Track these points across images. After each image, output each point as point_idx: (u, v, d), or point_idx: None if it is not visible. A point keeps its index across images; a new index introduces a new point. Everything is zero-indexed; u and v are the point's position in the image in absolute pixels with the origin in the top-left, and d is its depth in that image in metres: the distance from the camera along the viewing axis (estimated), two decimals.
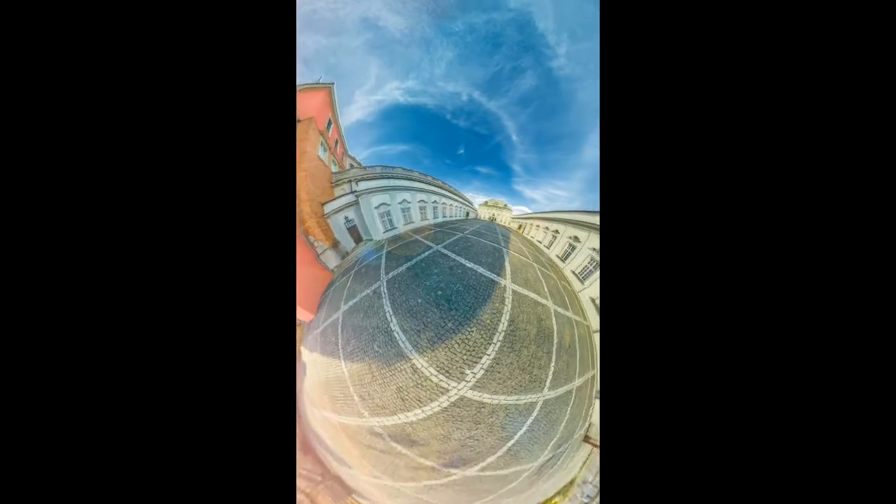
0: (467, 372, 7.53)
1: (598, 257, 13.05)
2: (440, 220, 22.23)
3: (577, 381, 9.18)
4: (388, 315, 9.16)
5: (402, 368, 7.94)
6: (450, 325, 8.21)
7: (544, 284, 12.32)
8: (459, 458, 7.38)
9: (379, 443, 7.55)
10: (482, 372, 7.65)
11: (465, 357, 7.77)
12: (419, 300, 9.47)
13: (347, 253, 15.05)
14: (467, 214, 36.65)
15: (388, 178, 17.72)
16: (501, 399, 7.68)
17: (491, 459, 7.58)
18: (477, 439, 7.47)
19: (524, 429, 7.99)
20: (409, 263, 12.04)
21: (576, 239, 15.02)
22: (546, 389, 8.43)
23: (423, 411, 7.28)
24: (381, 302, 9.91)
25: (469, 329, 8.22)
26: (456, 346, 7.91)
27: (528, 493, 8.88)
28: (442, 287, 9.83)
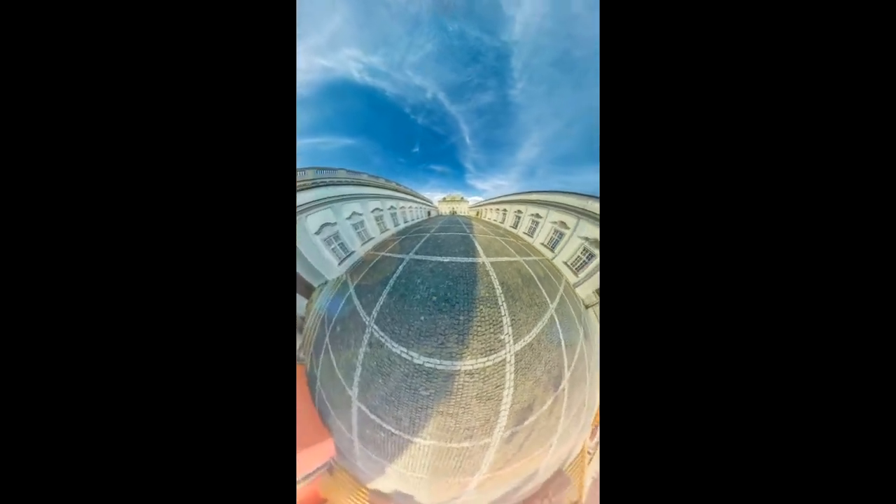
0: (502, 338, 8.61)
1: (528, 215, 18.78)
2: (402, 226, 20.97)
3: (560, 290, 12.50)
4: (404, 356, 8.22)
5: (461, 382, 7.98)
6: (462, 318, 8.66)
7: (508, 247, 15.19)
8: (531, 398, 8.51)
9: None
10: (510, 328, 8.92)
11: (492, 331, 8.65)
12: (421, 318, 8.73)
13: (303, 319, 12.08)
14: (429, 214, 36.49)
15: (327, 185, 13.40)
16: (535, 330, 9.43)
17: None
18: (551, 365, 9.23)
19: (560, 332, 10.23)
20: (386, 288, 10.42)
21: (519, 211, 20.89)
22: (550, 304, 11.08)
23: (506, 390, 8.15)
24: (385, 350, 8.56)
25: (478, 310, 9.06)
26: (480, 328, 8.65)
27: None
28: (433, 292, 9.59)
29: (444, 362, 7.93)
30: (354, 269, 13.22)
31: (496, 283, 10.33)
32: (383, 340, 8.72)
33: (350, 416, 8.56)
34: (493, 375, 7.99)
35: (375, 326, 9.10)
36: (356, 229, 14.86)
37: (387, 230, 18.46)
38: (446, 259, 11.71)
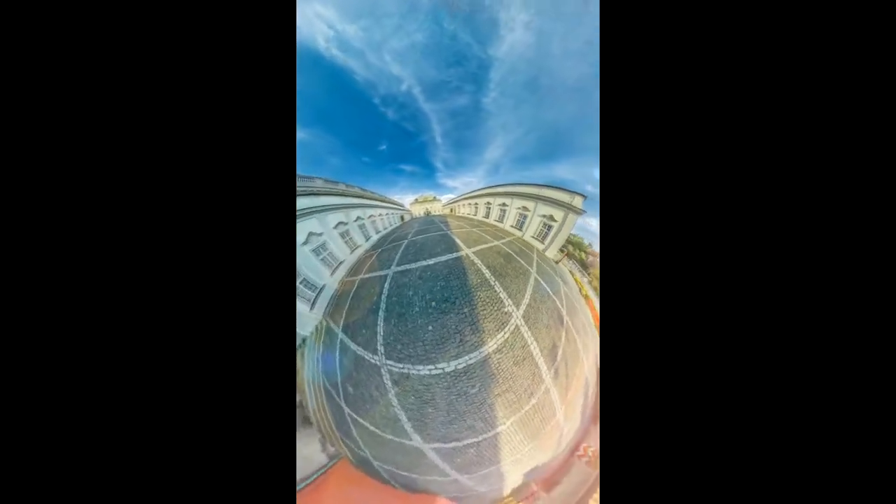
0: (506, 310, 9.32)
1: (496, 205, 20.66)
2: (375, 238, 19.61)
3: (535, 257, 14.36)
4: (435, 372, 7.94)
5: (496, 361, 8.27)
6: (466, 310, 8.84)
7: (484, 235, 16.55)
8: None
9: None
10: (509, 300, 9.71)
11: (496, 308, 9.28)
12: (429, 328, 8.57)
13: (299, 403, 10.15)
14: (402, 218, 35.00)
15: (304, 194, 11.71)
16: (528, 293, 10.61)
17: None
18: (550, 311, 10.60)
19: (546, 287, 11.77)
20: (380, 314, 9.42)
21: (488, 203, 22.51)
22: (531, 270, 12.56)
23: (531, 345, 8.90)
24: (413, 379, 8.01)
25: (477, 296, 9.49)
26: (485, 311, 9.10)
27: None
28: (430, 298, 9.37)
29: (472, 355, 8.10)
30: (334, 309, 11.59)
31: (483, 269, 10.96)
32: (406, 371, 8.21)
33: (431, 461, 7.92)
34: (515, 341, 8.56)
35: (389, 362, 8.44)
36: (318, 255, 12.42)
37: (357, 247, 16.07)
38: (432, 261, 11.64)
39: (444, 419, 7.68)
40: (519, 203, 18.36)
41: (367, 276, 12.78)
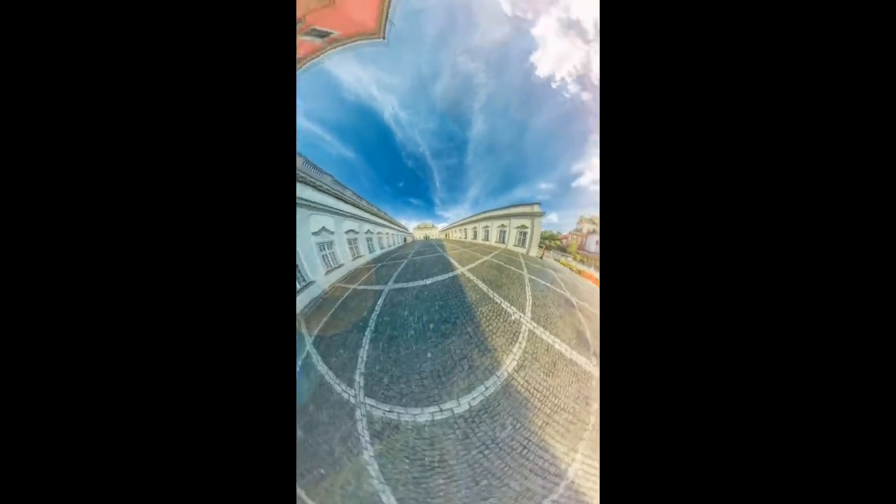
0: (514, 318, 6.79)
1: (481, 228, 20.57)
2: (378, 253, 17.83)
3: (522, 260, 13.29)
4: (439, 417, 4.17)
5: (522, 380, 4.91)
6: (470, 329, 6.05)
7: (475, 253, 15.46)
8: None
9: None
10: (512, 307, 7.38)
11: (503, 320, 6.62)
12: (428, 355, 5.25)
13: None
14: (405, 240, 33.80)
15: (335, 196, 11.07)
16: (527, 294, 8.61)
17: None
18: (555, 298, 8.87)
19: (542, 280, 10.52)
20: (367, 333, 6.10)
21: (475, 227, 23.02)
22: (523, 272, 11.18)
23: (555, 342, 6.30)
24: (404, 432, 4.00)
25: (479, 312, 6.92)
26: (492, 325, 6.36)
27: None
28: (428, 318, 6.58)
29: (488, 383, 4.70)
30: (313, 312, 8.08)
31: (480, 283, 8.91)
32: (395, 416, 4.25)
33: None
34: (535, 348, 5.75)
35: (369, 401, 4.54)
36: (321, 250, 10.30)
37: (360, 256, 14.16)
38: (429, 281, 9.15)
39: (471, 492, 3.43)
40: (497, 223, 19.24)
41: (361, 287, 9.82)
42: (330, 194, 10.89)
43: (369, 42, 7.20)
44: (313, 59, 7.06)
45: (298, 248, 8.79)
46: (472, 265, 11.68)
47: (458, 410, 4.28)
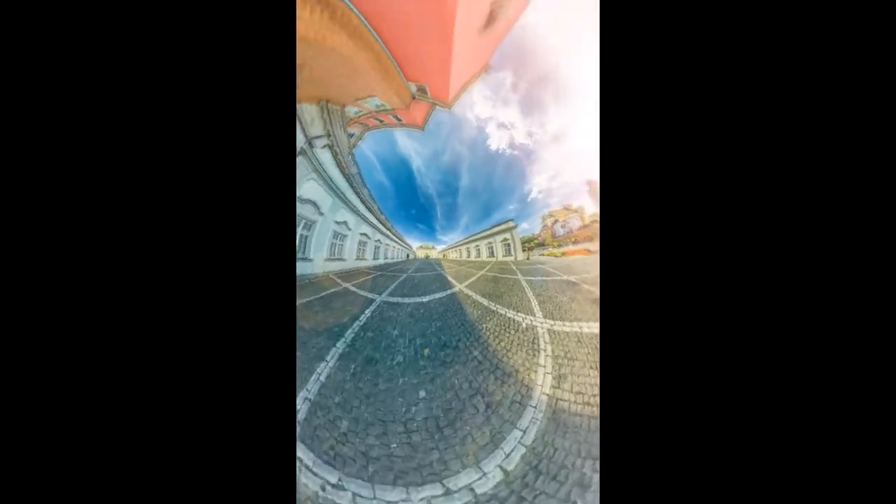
0: (525, 325, 4.54)
1: (472, 247, 20.16)
2: (381, 261, 16.14)
3: (514, 266, 12.85)
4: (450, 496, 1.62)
5: (560, 401, 2.70)
6: (476, 352, 3.70)
7: (470, 269, 14.17)
8: None
9: None
10: (519, 314, 5.10)
11: (514, 331, 4.36)
12: (421, 395, 2.54)
13: None
14: (408, 256, 32.07)
15: (365, 203, 11.14)
16: (530, 295, 6.77)
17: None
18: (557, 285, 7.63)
19: (538, 277, 8.91)
20: (338, 347, 3.55)
21: (467, 248, 21.98)
22: (518, 276, 9.63)
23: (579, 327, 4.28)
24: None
25: (484, 329, 4.54)
26: (504, 344, 3.90)
27: None
28: (421, 344, 3.92)
29: (522, 423, 2.14)
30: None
31: (480, 298, 6.80)
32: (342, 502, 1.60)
33: None
34: (566, 345, 3.64)
35: (305, 457, 1.84)
36: (333, 237, 8.78)
37: (363, 259, 12.70)
38: (426, 298, 6.76)
39: None
40: (485, 241, 19.88)
41: (353, 288, 7.48)
42: (362, 201, 10.89)
43: (416, 129, 9.79)
44: (384, 127, 9.39)
45: (318, 228, 7.47)
46: (469, 281, 9.68)
47: (481, 489, 1.66)
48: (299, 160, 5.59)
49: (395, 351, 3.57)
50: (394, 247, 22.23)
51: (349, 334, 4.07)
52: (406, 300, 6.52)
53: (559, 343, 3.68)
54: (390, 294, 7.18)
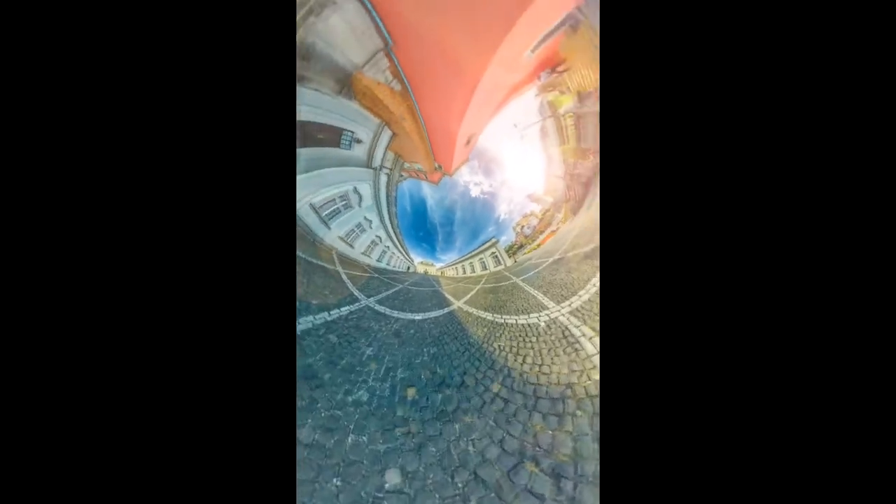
0: (542, 325, 3.41)
1: (467, 264, 17.55)
2: (383, 265, 14.91)
3: (505, 271, 10.70)
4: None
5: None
6: (496, 387, 2.05)
7: (467, 285, 12.69)
8: None
9: None
10: (529, 316, 3.86)
11: (531, 335, 3.05)
12: (386, 490, 1.20)
13: None
14: (408, 268, 31.17)
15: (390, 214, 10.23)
16: (534, 291, 5.50)
17: None
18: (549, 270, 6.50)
19: (533, 272, 7.52)
20: (297, 348, 1.17)
21: (462, 265, 19.97)
22: (513, 279, 8.28)
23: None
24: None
25: (496, 347, 2.93)
26: (523, 349, 2.58)
27: None
28: (406, 381, 2.18)
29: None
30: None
31: (483, 313, 5.30)
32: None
33: None
34: (595, 313, 2.70)
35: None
36: (358, 230, 7.39)
37: (368, 257, 11.05)
38: (419, 316, 5.19)
39: None
40: (477, 258, 20.51)
41: (345, 276, 5.81)
42: (388, 213, 10.79)
43: (433, 184, 10.81)
44: (417, 178, 9.88)
45: (351, 213, 7.41)
46: (468, 297, 7.86)
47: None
48: (369, 171, 7.18)
49: (360, 380, 2.13)
50: (398, 256, 22.74)
51: (304, 321, 2.68)
52: (395, 314, 4.98)
53: (590, 318, 2.81)
54: (379, 301, 5.55)
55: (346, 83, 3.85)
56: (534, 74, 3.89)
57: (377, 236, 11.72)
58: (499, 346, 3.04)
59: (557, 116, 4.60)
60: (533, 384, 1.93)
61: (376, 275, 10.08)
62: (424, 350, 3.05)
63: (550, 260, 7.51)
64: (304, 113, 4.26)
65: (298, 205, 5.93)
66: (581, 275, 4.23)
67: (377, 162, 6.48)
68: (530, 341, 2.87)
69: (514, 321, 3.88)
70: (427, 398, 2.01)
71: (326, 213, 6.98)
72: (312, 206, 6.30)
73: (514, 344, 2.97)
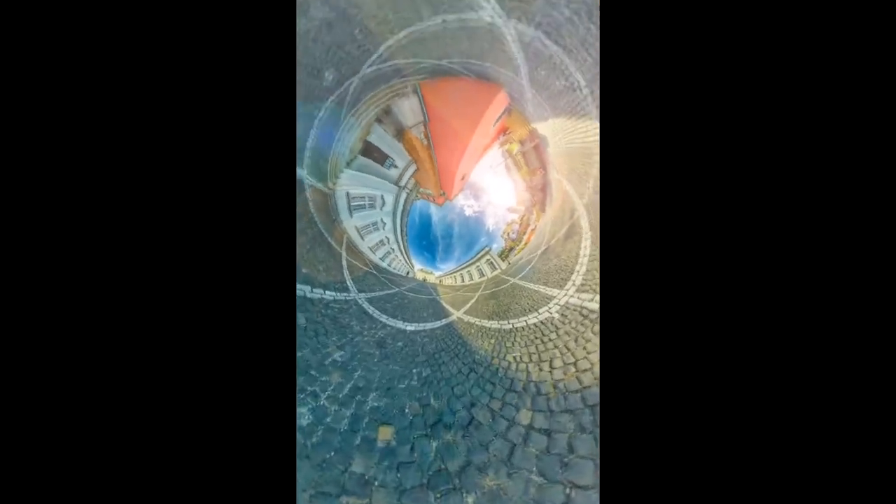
0: (556, 314, 2.90)
1: (465, 272, 19.81)
2: (384, 264, 14.16)
3: (503, 274, 10.84)
4: None
5: None
6: (522, 417, 1.04)
7: (465, 295, 12.58)
8: None
9: None
10: (536, 313, 3.45)
11: (556, 332, 2.41)
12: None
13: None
14: (407, 273, 31.11)
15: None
16: (535, 287, 5.05)
17: None
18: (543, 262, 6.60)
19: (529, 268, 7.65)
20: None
21: (461, 274, 22.33)
22: (511, 280, 8.09)
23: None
24: None
25: (508, 359, 2.16)
26: (543, 345, 2.09)
27: None
28: (380, 421, 1.29)
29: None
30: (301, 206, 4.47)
31: (487, 323, 4.49)
32: None
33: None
34: (592, 283, 2.40)
35: None
36: (371, 226, 9.22)
37: (373, 253, 11.36)
38: (411, 327, 4.05)
39: None
40: (475, 266, 21.58)
41: (344, 261, 5.49)
42: (401, 222, 12.86)
43: (438, 205, 12.41)
44: (427, 200, 11.67)
45: (372, 211, 8.96)
46: (468, 305, 7.05)
47: None
48: (395, 188, 9.46)
49: (308, 390, 1.36)
50: (400, 259, 23.59)
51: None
52: (384, 318, 4.00)
53: (597, 286, 2.33)
54: (370, 300, 4.62)
55: (400, 132, 7.07)
56: (496, 137, 7.19)
57: (386, 237, 12.69)
58: (514, 357, 2.13)
59: (512, 156, 8.01)
60: (577, 391, 1.24)
61: (374, 272, 9.27)
62: (414, 371, 2.07)
63: (539, 252, 7.30)
64: (374, 139, 7.07)
65: (338, 189, 6.87)
66: (569, 254, 3.94)
67: (403, 183, 9.08)
68: (550, 339, 2.09)
69: (525, 323, 3.06)
70: (412, 447, 1.09)
71: (355, 204, 8.28)
72: (348, 195, 7.65)
73: (533, 349, 2.10)
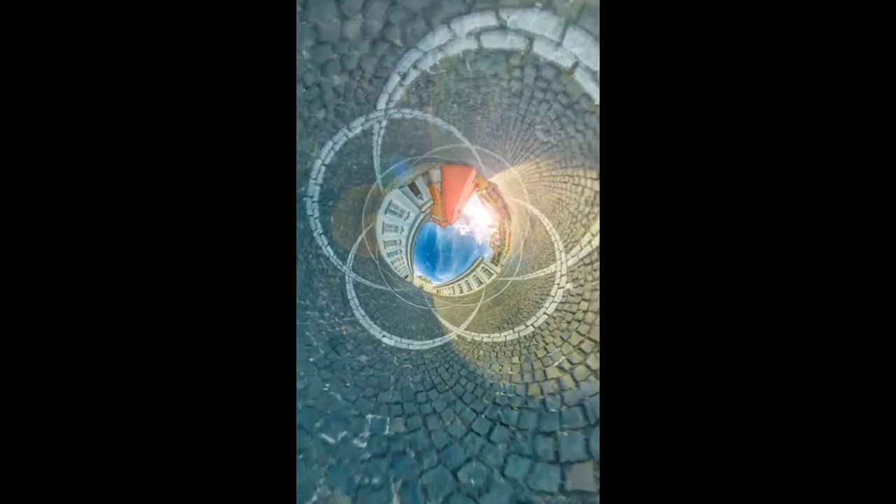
0: (566, 288, 2.90)
1: (463, 283, 19.53)
2: (387, 262, 13.94)
3: (501, 279, 10.44)
4: None
5: None
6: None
7: (464, 307, 10.44)
8: None
9: None
10: (540, 316, 2.86)
11: (578, 318, 1.87)
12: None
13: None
14: (406, 276, 30.90)
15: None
16: (538, 280, 4.75)
17: None
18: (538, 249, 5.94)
19: (520, 265, 8.07)
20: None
21: (459, 285, 21.52)
22: (510, 277, 8.80)
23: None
24: None
25: (550, 382, 1.31)
26: (566, 335, 1.61)
27: None
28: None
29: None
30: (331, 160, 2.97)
31: (498, 337, 3.23)
32: None
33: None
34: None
35: None
36: (390, 226, 12.78)
37: (386, 249, 12.01)
38: (391, 341, 2.73)
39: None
40: (472, 276, 22.26)
41: (364, 234, 5.70)
42: (413, 234, 15.35)
43: (441, 227, 16.05)
44: (435, 223, 15.35)
45: (395, 219, 12.21)
46: (470, 319, 5.86)
47: None
48: (417, 210, 13.40)
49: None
50: (404, 262, 24.99)
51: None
52: (357, 314, 2.99)
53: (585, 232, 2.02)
54: (355, 283, 3.62)
55: (429, 183, 11.70)
56: (474, 188, 11.16)
57: (398, 240, 15.43)
58: (551, 385, 1.29)
59: (484, 196, 12.10)
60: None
61: (376, 261, 8.42)
62: (370, 419, 1.22)
63: (521, 246, 8.19)
64: (417, 182, 11.17)
65: (388, 194, 9.09)
66: (542, 235, 4.26)
67: (423, 208, 13.16)
68: (565, 339, 1.44)
69: (545, 315, 2.43)
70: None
71: (391, 208, 11.70)
72: (391, 201, 10.79)
73: (541, 359, 1.34)
